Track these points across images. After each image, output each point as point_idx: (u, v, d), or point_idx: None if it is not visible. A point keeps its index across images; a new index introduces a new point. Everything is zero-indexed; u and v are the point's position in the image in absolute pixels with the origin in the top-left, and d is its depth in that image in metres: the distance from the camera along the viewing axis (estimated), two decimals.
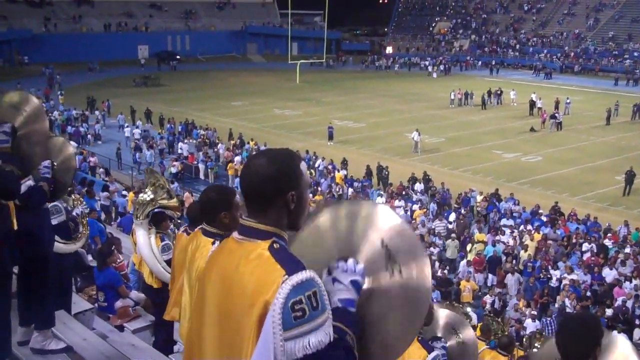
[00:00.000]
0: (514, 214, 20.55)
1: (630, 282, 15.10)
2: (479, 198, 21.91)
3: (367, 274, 2.02)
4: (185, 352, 2.35)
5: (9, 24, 55.83)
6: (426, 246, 17.69)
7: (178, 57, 62.57)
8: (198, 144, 28.50)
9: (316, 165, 25.75)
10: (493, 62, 62.06)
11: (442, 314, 4.23)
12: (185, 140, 29.93)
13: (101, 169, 24.61)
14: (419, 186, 23.29)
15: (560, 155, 29.65)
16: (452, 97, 42.59)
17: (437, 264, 16.80)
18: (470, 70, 63.04)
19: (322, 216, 2.18)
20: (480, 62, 65.08)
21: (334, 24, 74.06)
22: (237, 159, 26.03)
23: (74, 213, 5.97)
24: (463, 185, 23.79)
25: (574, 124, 36.16)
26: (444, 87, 47.34)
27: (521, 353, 8.28)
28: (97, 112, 36.10)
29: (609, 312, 14.00)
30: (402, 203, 21.24)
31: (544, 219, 19.83)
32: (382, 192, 22.62)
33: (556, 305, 14.46)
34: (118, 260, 7.22)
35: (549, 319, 13.35)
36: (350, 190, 22.84)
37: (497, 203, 21.49)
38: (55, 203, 5.28)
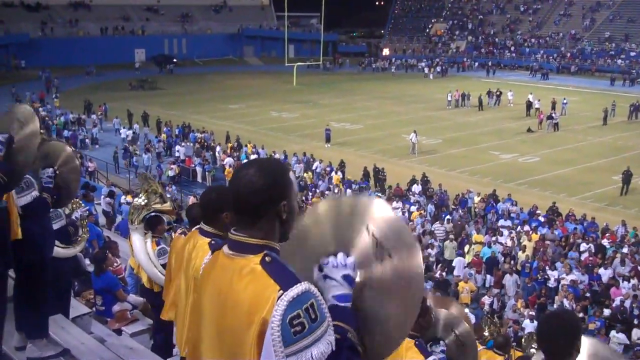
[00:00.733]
0: (512, 215, 20.56)
1: (629, 282, 15.12)
2: (477, 199, 21.94)
3: (358, 266, 2.01)
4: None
5: (6, 28, 55.81)
6: (424, 247, 17.70)
7: (175, 60, 62.56)
8: (196, 150, 28.49)
9: (314, 167, 25.76)
10: (490, 63, 62.15)
11: (441, 315, 4.23)
12: (183, 144, 29.92)
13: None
14: (416, 188, 23.31)
15: (558, 155, 29.70)
16: (449, 98, 42.65)
17: (435, 265, 16.80)
18: (467, 72, 63.13)
19: (307, 215, 2.18)
20: (476, 63, 65.21)
21: (330, 26, 74.13)
22: (228, 160, 26.13)
23: (73, 217, 5.96)
24: (460, 186, 23.81)
25: (571, 125, 36.24)
26: (441, 89, 47.39)
27: (519, 354, 8.28)
28: (93, 116, 36.07)
29: (607, 312, 14.02)
30: (399, 205, 21.24)
31: (542, 219, 19.85)
32: (379, 194, 22.62)
33: (555, 306, 14.46)
34: (115, 264, 7.22)
35: None
36: (349, 191, 22.84)
37: (494, 204, 21.51)
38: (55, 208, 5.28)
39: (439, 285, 15.16)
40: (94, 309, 6.55)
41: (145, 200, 5.84)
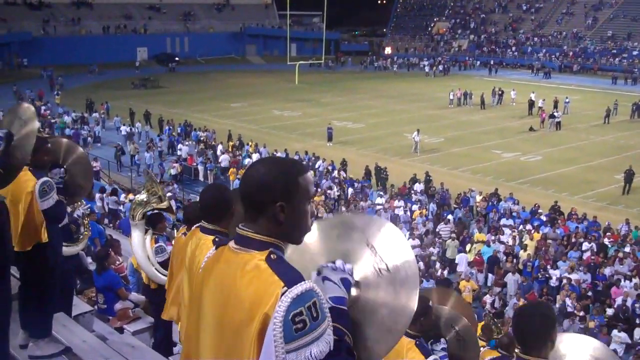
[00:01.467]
0: (514, 214, 20.54)
1: (630, 280, 15.10)
2: (479, 198, 21.91)
3: (355, 274, 2.06)
4: (182, 355, 2.35)
5: (8, 26, 55.84)
6: (426, 246, 17.71)
7: (177, 58, 62.59)
8: (200, 150, 28.48)
9: (316, 166, 25.78)
10: (492, 62, 62.09)
11: (442, 312, 4.26)
12: (185, 142, 29.94)
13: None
14: (418, 186, 23.30)
15: (560, 154, 29.66)
16: (451, 97, 42.62)
17: (437, 264, 16.80)
18: (469, 70, 63.09)
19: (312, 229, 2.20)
20: (479, 62, 65.14)
21: (332, 25, 74.15)
22: (224, 157, 26.26)
23: (75, 215, 5.97)
24: (462, 185, 23.79)
25: (573, 123, 36.19)
26: (443, 87, 47.36)
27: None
28: (95, 114, 36.09)
29: (609, 311, 14.00)
30: (401, 203, 21.24)
31: (544, 218, 19.83)
32: (381, 193, 22.62)
33: (557, 305, 14.44)
34: (117, 262, 7.23)
35: None
36: (350, 190, 22.85)
37: (496, 203, 21.50)
38: None
39: (441, 284, 15.16)
40: (95, 307, 6.56)
41: (146, 198, 5.85)
